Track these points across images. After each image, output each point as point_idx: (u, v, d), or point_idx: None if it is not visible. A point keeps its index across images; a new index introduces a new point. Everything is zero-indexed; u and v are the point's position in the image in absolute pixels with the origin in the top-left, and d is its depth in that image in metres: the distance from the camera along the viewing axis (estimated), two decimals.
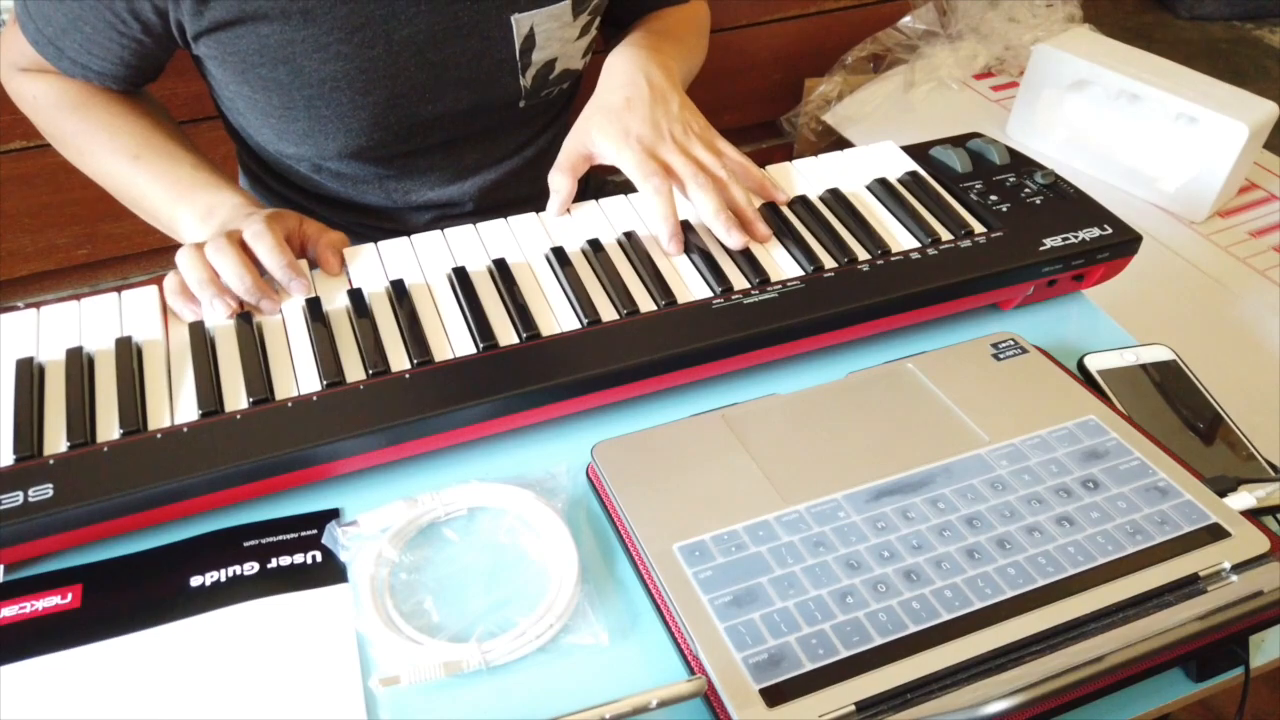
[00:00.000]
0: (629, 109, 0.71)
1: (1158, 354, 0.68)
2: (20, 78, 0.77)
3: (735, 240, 0.65)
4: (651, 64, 0.74)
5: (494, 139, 0.85)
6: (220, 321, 0.62)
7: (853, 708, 0.44)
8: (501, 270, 0.66)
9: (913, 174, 0.76)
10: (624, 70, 0.74)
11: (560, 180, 0.70)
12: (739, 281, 0.65)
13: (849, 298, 0.64)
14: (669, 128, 0.70)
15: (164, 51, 0.75)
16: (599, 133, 0.70)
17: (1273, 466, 0.61)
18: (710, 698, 0.46)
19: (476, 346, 0.60)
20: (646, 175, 0.67)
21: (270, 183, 0.87)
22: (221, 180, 0.72)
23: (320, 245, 0.67)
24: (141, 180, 0.73)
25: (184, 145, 0.76)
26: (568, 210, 0.71)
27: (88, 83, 0.75)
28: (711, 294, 0.64)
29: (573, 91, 0.91)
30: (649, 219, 0.66)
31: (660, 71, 0.74)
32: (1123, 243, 0.70)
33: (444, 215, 0.88)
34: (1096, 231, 0.70)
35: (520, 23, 0.76)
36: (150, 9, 0.68)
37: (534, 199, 0.90)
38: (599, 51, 0.90)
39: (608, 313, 0.63)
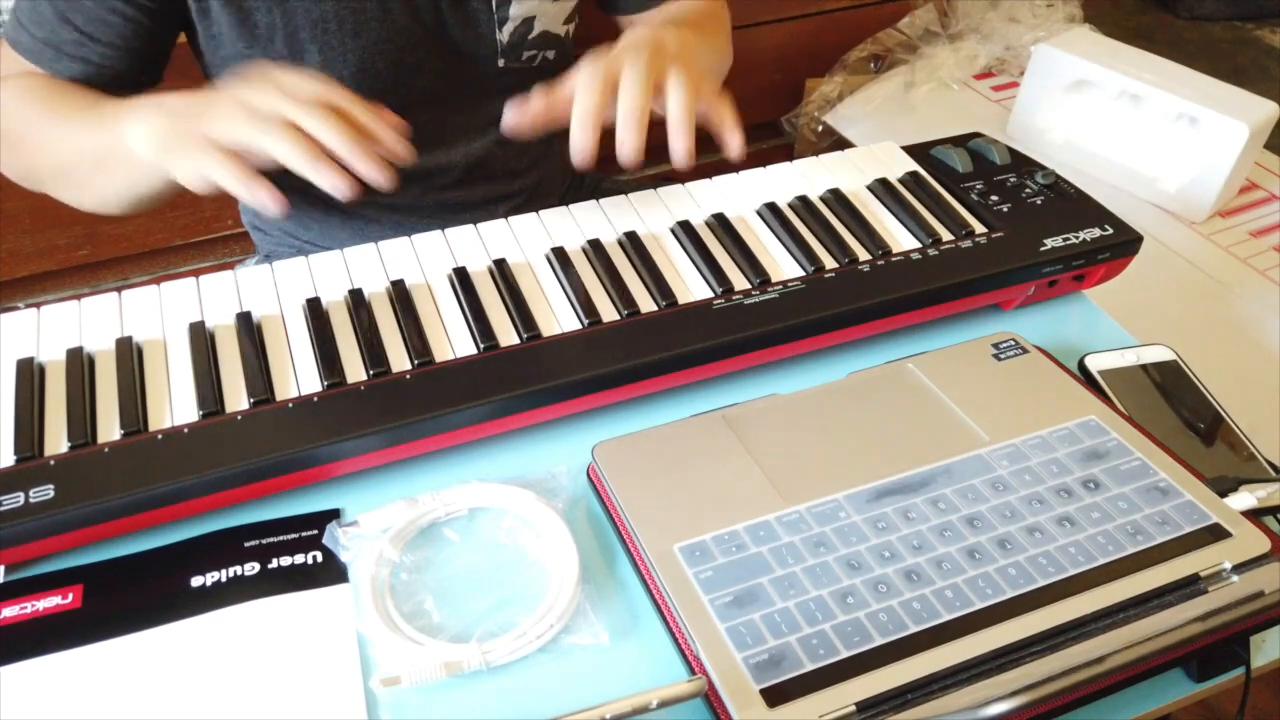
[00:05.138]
0: (632, 44, 0.66)
1: (1158, 354, 0.68)
2: None
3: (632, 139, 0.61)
4: (667, 31, 0.70)
5: (476, 103, 0.86)
6: (220, 321, 0.61)
7: (853, 708, 0.44)
8: (502, 270, 0.66)
9: (913, 174, 0.76)
10: (639, 31, 0.70)
11: (537, 99, 0.65)
12: (739, 282, 0.65)
13: (849, 298, 0.64)
14: (655, 51, 0.66)
15: (165, 32, 0.75)
16: (593, 55, 0.66)
17: (1273, 466, 0.61)
18: (711, 698, 0.46)
19: (477, 347, 0.60)
20: (590, 74, 0.63)
21: None
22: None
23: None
24: (85, 129, 0.69)
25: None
26: (521, 124, 0.66)
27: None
28: (712, 294, 0.64)
29: (558, 67, 0.91)
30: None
31: (675, 38, 0.70)
32: (1123, 243, 0.70)
33: (432, 185, 0.88)
34: (1097, 231, 0.70)
35: None
36: None
37: (520, 174, 0.92)
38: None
39: (608, 313, 0.63)
